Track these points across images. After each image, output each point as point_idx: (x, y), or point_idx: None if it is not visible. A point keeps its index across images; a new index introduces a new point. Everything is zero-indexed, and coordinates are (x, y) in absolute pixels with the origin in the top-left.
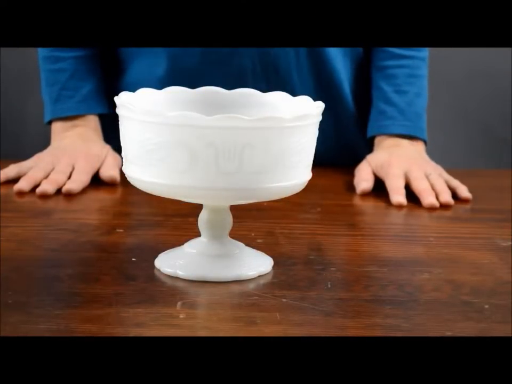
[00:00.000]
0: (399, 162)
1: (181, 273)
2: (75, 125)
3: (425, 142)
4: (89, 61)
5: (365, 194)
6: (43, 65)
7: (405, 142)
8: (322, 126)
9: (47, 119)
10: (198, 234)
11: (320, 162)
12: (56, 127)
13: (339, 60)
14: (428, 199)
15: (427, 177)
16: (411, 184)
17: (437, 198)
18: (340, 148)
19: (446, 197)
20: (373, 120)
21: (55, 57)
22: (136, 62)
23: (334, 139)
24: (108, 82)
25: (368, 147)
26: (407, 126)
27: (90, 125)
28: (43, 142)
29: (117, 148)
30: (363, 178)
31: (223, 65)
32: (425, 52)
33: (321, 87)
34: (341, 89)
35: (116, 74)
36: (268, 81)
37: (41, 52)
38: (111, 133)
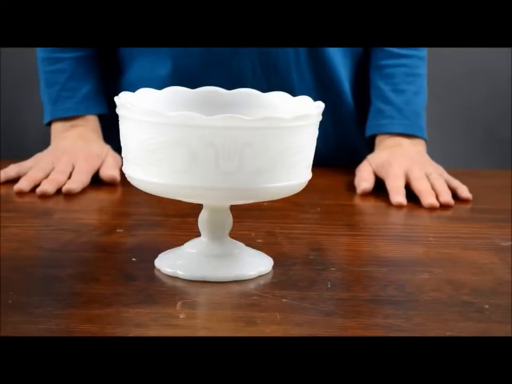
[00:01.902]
0: (399, 162)
1: (181, 273)
2: (75, 125)
3: (424, 141)
4: (87, 61)
5: (365, 194)
6: (42, 67)
7: (405, 142)
8: (322, 126)
9: (46, 120)
10: (198, 234)
11: (320, 162)
12: (56, 127)
13: (339, 60)
14: (427, 199)
15: (427, 177)
16: (411, 184)
17: (437, 198)
18: (340, 147)
19: (446, 197)
20: (371, 119)
21: (54, 58)
22: (137, 63)
23: (334, 139)
24: (107, 83)
25: (369, 147)
26: (405, 124)
27: (90, 125)
28: (43, 142)
29: (117, 148)
30: (363, 178)
31: (223, 65)
32: (424, 51)
33: (321, 87)
34: (341, 88)
35: (116, 76)
36: (268, 81)
37: (40, 53)
38: (111, 133)
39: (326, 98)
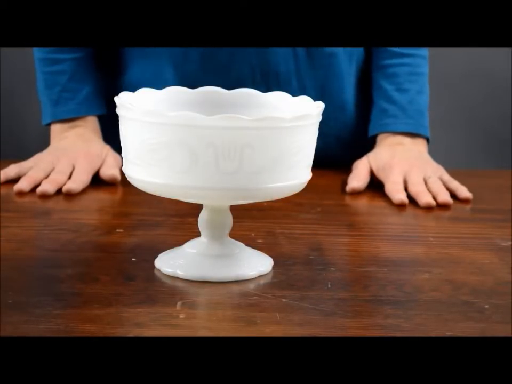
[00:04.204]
0: (399, 165)
1: (181, 273)
2: (74, 125)
3: (428, 140)
4: (87, 62)
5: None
6: (40, 67)
7: (406, 141)
8: (324, 132)
9: (46, 121)
10: (198, 234)
11: (321, 162)
12: (56, 128)
13: (344, 67)
14: (424, 198)
15: (426, 180)
16: (408, 188)
17: (435, 199)
18: (341, 153)
19: (445, 197)
20: (375, 119)
21: (53, 59)
22: (136, 67)
23: (335, 145)
24: (106, 84)
25: (370, 149)
26: (409, 123)
27: (90, 125)
28: (43, 142)
29: (117, 148)
30: (355, 177)
31: (222, 72)
32: (426, 50)
33: (322, 94)
34: (342, 95)
35: (116, 77)
36: (268, 89)
37: (37, 53)
38: (111, 133)
39: (326, 105)
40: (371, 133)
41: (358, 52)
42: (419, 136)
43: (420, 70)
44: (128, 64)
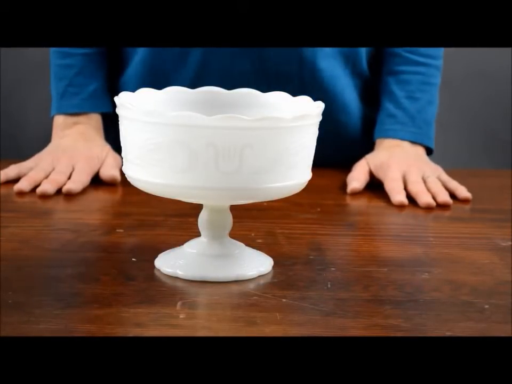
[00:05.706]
0: (397, 164)
1: (181, 273)
2: (77, 122)
3: (431, 150)
4: (97, 58)
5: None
6: (53, 60)
7: (405, 144)
8: (324, 136)
9: (52, 113)
10: (198, 234)
11: (321, 162)
12: (59, 121)
13: (338, 71)
14: (423, 198)
15: (425, 180)
16: (407, 187)
17: (435, 199)
18: (341, 154)
19: (444, 197)
20: (381, 123)
21: (65, 52)
22: (135, 65)
23: (335, 146)
24: (112, 81)
25: (371, 150)
26: (415, 133)
27: (92, 123)
28: (43, 142)
29: (117, 148)
30: (355, 178)
31: (223, 69)
32: (440, 61)
33: (322, 97)
34: (342, 98)
35: (118, 74)
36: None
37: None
38: (111, 133)
39: (327, 107)
40: (376, 136)
41: (353, 54)
42: (420, 144)
43: (432, 80)
44: (131, 62)
